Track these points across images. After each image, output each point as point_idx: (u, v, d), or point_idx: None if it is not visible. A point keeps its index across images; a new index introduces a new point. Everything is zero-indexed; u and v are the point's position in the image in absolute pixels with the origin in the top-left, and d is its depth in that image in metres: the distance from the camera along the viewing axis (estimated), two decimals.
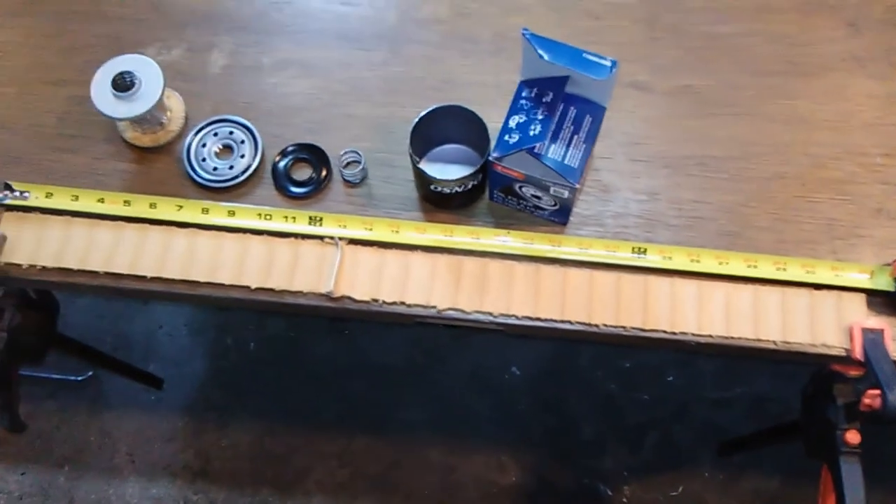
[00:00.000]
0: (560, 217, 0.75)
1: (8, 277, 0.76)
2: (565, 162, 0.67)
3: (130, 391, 1.32)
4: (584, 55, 0.63)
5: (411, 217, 0.77)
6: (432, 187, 0.73)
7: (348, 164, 0.79)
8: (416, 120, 0.72)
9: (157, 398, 1.32)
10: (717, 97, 0.81)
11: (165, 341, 1.37)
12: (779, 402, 1.27)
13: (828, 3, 0.86)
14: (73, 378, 1.31)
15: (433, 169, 0.71)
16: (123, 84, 0.75)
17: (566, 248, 0.74)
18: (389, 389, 1.32)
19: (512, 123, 0.68)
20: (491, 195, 0.76)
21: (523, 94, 0.69)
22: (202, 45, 0.86)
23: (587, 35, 0.85)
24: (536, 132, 0.66)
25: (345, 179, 0.79)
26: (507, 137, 0.67)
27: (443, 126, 0.75)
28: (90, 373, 1.33)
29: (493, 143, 0.69)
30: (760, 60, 0.83)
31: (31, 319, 0.84)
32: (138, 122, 0.79)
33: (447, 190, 0.73)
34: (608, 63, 0.63)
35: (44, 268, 0.76)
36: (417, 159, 0.72)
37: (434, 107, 0.72)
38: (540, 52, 0.64)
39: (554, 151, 0.67)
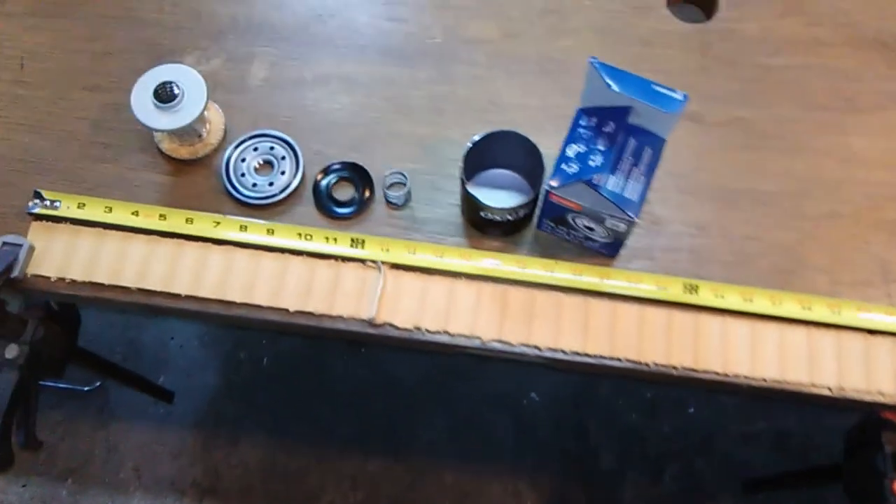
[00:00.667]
0: (610, 250, 0.73)
1: (35, 290, 0.74)
2: (625, 194, 0.65)
3: (139, 403, 1.28)
4: (654, 87, 0.61)
5: (456, 242, 0.75)
6: (482, 214, 0.71)
7: (392, 185, 0.77)
8: (470, 144, 0.70)
9: (166, 411, 1.29)
10: (769, 130, 0.80)
11: (177, 353, 1.34)
12: (802, 437, 1.25)
13: (880, 40, 0.84)
14: (80, 388, 1.27)
15: (480, 194, 0.69)
16: (166, 95, 0.72)
17: (615, 281, 0.72)
18: (407, 410, 1.29)
19: (570, 152, 0.66)
20: (539, 223, 0.74)
21: (582, 123, 0.67)
22: (242, 56, 0.84)
23: (636, 61, 0.83)
24: (597, 163, 0.64)
25: (388, 201, 0.76)
26: (565, 167, 0.65)
27: (493, 150, 0.73)
28: (98, 383, 1.29)
29: (548, 172, 0.67)
30: (813, 95, 0.81)
31: (54, 332, 0.81)
32: (176, 133, 0.76)
33: (498, 217, 0.71)
34: (679, 97, 0.61)
35: (73, 281, 0.73)
36: (469, 185, 0.70)
37: (489, 131, 0.70)
38: (608, 81, 0.61)
39: (613, 183, 0.65)
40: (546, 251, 0.74)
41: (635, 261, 0.74)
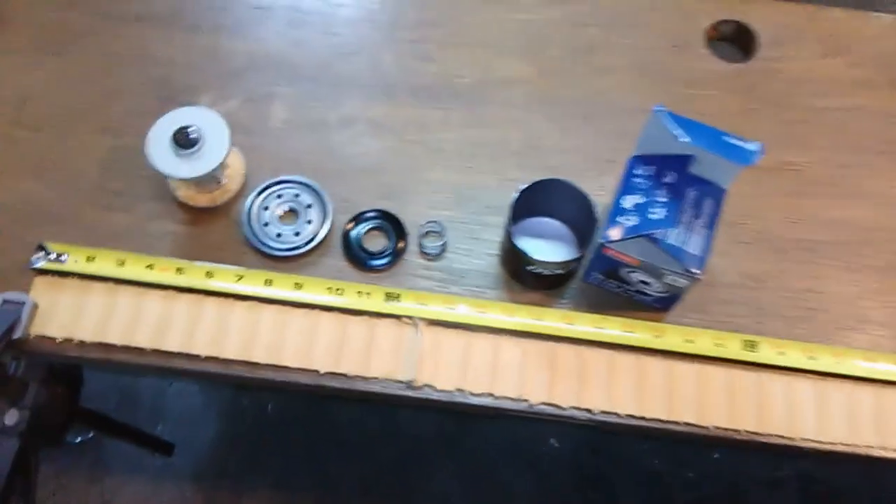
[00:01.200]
0: (664, 304, 0.68)
1: (39, 352, 0.67)
2: (687, 249, 0.60)
3: (134, 455, 1.21)
4: (725, 138, 0.57)
5: (496, 296, 0.70)
6: (529, 268, 0.66)
7: (427, 234, 0.72)
8: (517, 194, 0.65)
9: (163, 463, 1.21)
10: (821, 176, 0.76)
11: (175, 400, 1.27)
12: (827, 484, 1.21)
13: None
14: (71, 440, 1.20)
15: (525, 245, 0.64)
16: (186, 140, 0.67)
17: (670, 338, 0.68)
18: (418, 459, 1.23)
19: (627, 204, 0.61)
20: (587, 276, 0.69)
21: (638, 172, 0.63)
22: (261, 96, 0.79)
23: (678, 102, 0.78)
24: (660, 216, 0.60)
25: (423, 252, 0.71)
26: (622, 219, 0.61)
27: (538, 198, 0.68)
28: (91, 434, 1.22)
29: (600, 224, 0.62)
30: (861, 137, 0.78)
31: (56, 395, 0.75)
32: (194, 180, 0.71)
33: (546, 271, 0.66)
34: (754, 147, 0.57)
35: (82, 342, 0.67)
36: (514, 237, 0.65)
37: (537, 180, 0.66)
38: (675, 132, 0.57)
39: (675, 237, 0.61)
40: (592, 305, 0.70)
41: (688, 315, 0.70)
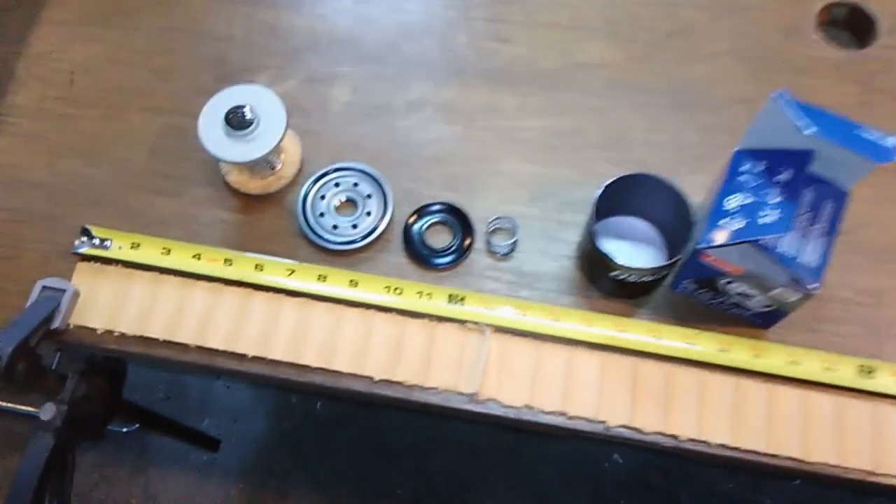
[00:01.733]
0: (766, 320, 0.60)
1: (79, 344, 0.63)
2: (802, 259, 0.52)
3: (180, 448, 1.17)
4: (858, 131, 0.49)
5: (571, 302, 0.63)
6: (612, 274, 0.58)
7: (496, 231, 0.65)
8: (601, 191, 0.58)
9: (209, 459, 1.18)
10: None
11: (223, 395, 1.23)
12: None
13: None
14: (118, 429, 1.16)
15: (606, 246, 0.57)
16: (240, 121, 0.61)
17: (772, 359, 0.59)
18: (473, 470, 1.16)
19: (731, 205, 0.53)
20: (675, 284, 0.62)
21: (744, 168, 0.55)
22: (322, 77, 0.73)
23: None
24: (771, 220, 0.52)
25: (491, 250, 0.65)
26: (724, 222, 0.53)
27: (624, 196, 0.61)
28: (136, 425, 1.18)
29: (697, 227, 0.55)
30: None
31: (97, 388, 0.71)
32: (247, 164, 0.65)
33: (631, 278, 0.58)
34: (894, 144, 0.48)
35: (122, 335, 0.62)
36: (596, 238, 0.58)
37: (623, 174, 0.58)
38: (800, 122, 0.49)
39: (788, 245, 0.52)
40: (679, 317, 0.62)
41: (793, 333, 0.61)
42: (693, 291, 0.61)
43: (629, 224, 0.65)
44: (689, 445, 0.58)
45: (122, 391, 0.77)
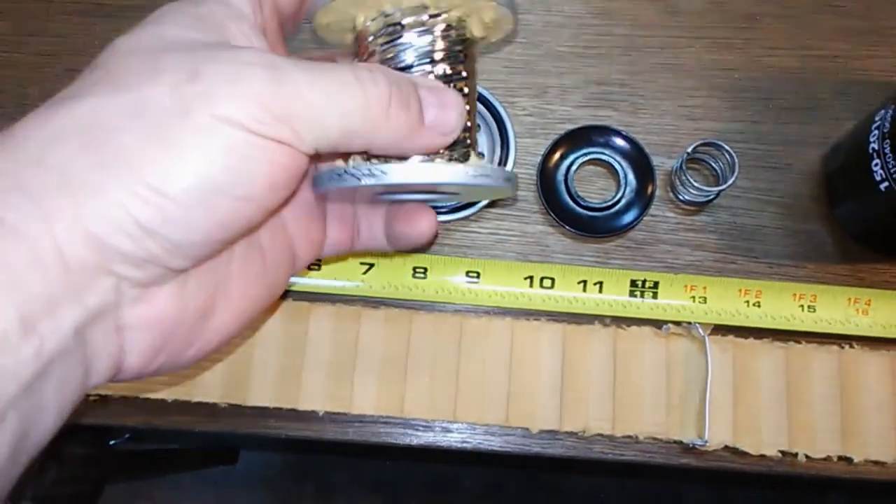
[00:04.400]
0: None
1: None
2: None
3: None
4: None
5: (833, 278, 0.39)
6: None
7: (695, 163, 0.40)
8: None
9: (226, 469, 0.95)
10: None
11: None
12: None
13: None
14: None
15: None
16: None
17: None
18: None
19: None
20: None
21: None
22: None
23: None
24: None
25: (680, 198, 0.40)
26: None
27: None
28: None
29: None
30: None
31: (77, 466, 0.47)
32: None
33: None
34: None
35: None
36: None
37: None
38: None
39: None
40: None
41: None
42: None
43: None
44: None
45: (108, 443, 0.53)
